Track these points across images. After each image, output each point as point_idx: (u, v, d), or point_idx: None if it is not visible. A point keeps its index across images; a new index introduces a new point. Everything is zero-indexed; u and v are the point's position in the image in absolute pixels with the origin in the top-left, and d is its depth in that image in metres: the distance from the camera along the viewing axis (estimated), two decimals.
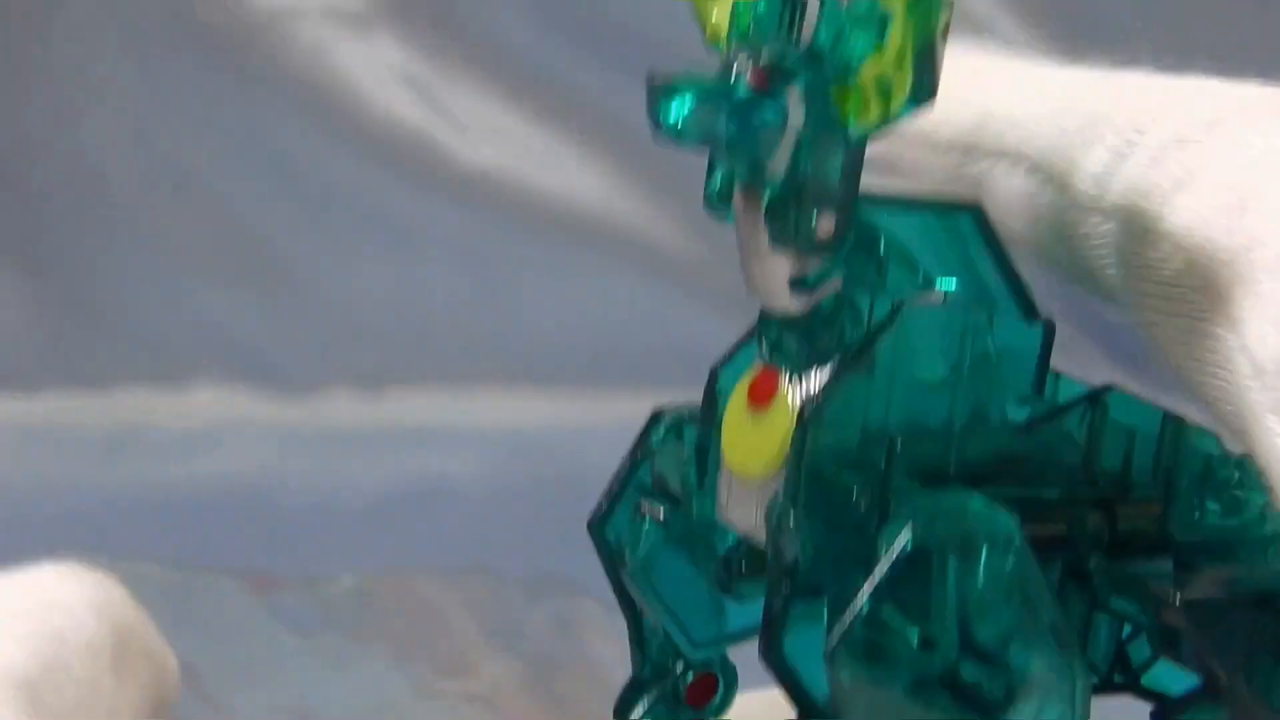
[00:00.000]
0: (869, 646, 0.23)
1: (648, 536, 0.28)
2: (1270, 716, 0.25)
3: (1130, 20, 1.02)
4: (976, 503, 0.24)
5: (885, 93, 0.23)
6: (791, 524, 0.24)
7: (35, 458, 0.93)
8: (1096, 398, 0.27)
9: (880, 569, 0.24)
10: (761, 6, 0.24)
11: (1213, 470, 0.27)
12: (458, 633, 0.52)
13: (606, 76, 0.93)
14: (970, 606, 0.24)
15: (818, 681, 0.24)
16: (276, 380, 1.00)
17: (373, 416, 0.99)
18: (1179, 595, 0.25)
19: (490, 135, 1.01)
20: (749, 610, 0.27)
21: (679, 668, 0.28)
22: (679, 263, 0.98)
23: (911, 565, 0.24)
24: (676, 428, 0.28)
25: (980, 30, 1.02)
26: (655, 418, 0.28)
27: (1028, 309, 0.27)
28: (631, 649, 0.28)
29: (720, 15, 0.25)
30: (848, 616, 0.23)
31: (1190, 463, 0.27)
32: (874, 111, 0.23)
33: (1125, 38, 1.04)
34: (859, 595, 0.23)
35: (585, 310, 0.94)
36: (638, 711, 0.28)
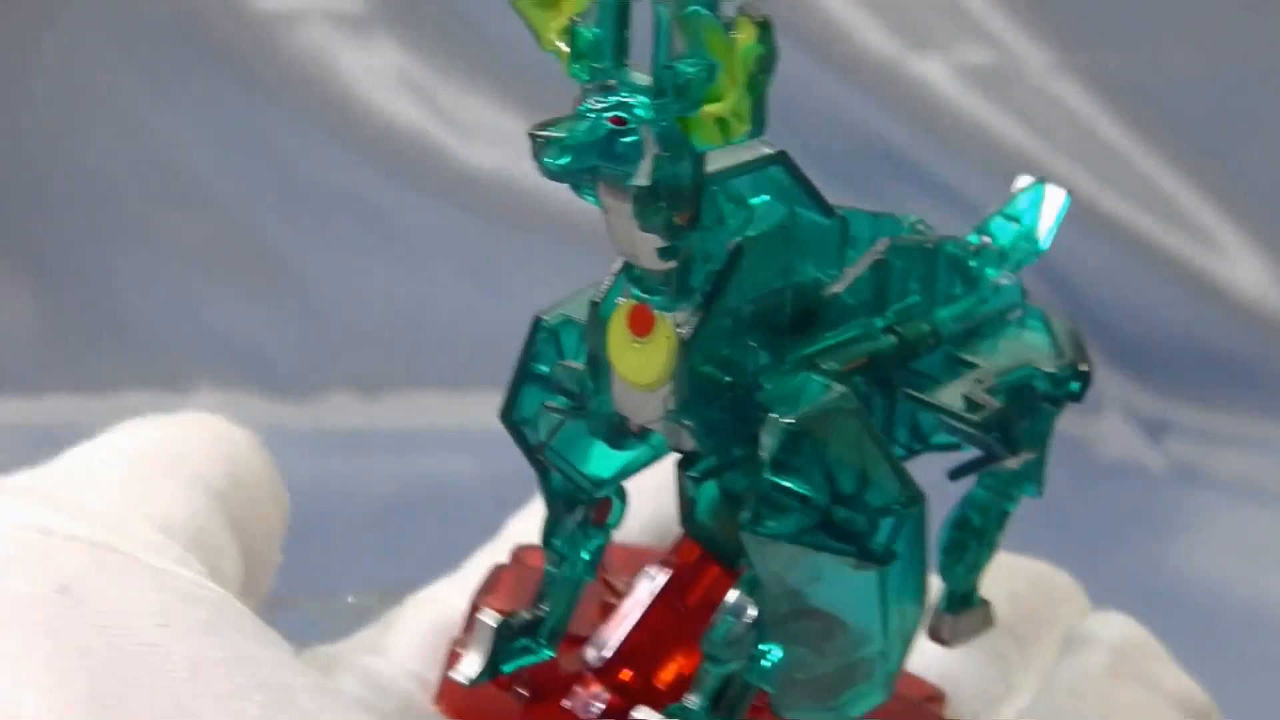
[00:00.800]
0: (767, 511, 0.31)
1: (553, 423, 0.34)
2: (1026, 454, 0.37)
3: (1126, 22, 1.02)
4: (816, 384, 0.32)
5: (724, 128, 0.30)
6: (688, 423, 0.32)
7: (37, 461, 0.93)
8: (879, 259, 0.34)
9: (767, 452, 0.31)
10: (594, 32, 0.31)
11: (957, 259, 0.37)
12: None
13: None
14: (833, 466, 0.31)
15: (727, 533, 0.32)
16: (277, 383, 1.00)
17: (373, 419, 0.99)
18: (961, 398, 0.35)
19: (490, 138, 1.02)
20: (632, 455, 0.35)
21: (584, 502, 0.36)
22: None
23: (788, 447, 0.31)
24: (553, 334, 0.35)
25: (979, 32, 1.03)
26: (536, 325, 0.35)
27: (827, 211, 0.34)
28: (543, 493, 0.36)
29: (554, 31, 0.31)
30: (750, 494, 0.31)
31: (943, 261, 0.36)
32: (715, 139, 0.30)
33: (1121, 39, 1.04)
34: (759, 475, 0.31)
35: None
36: (562, 539, 0.36)
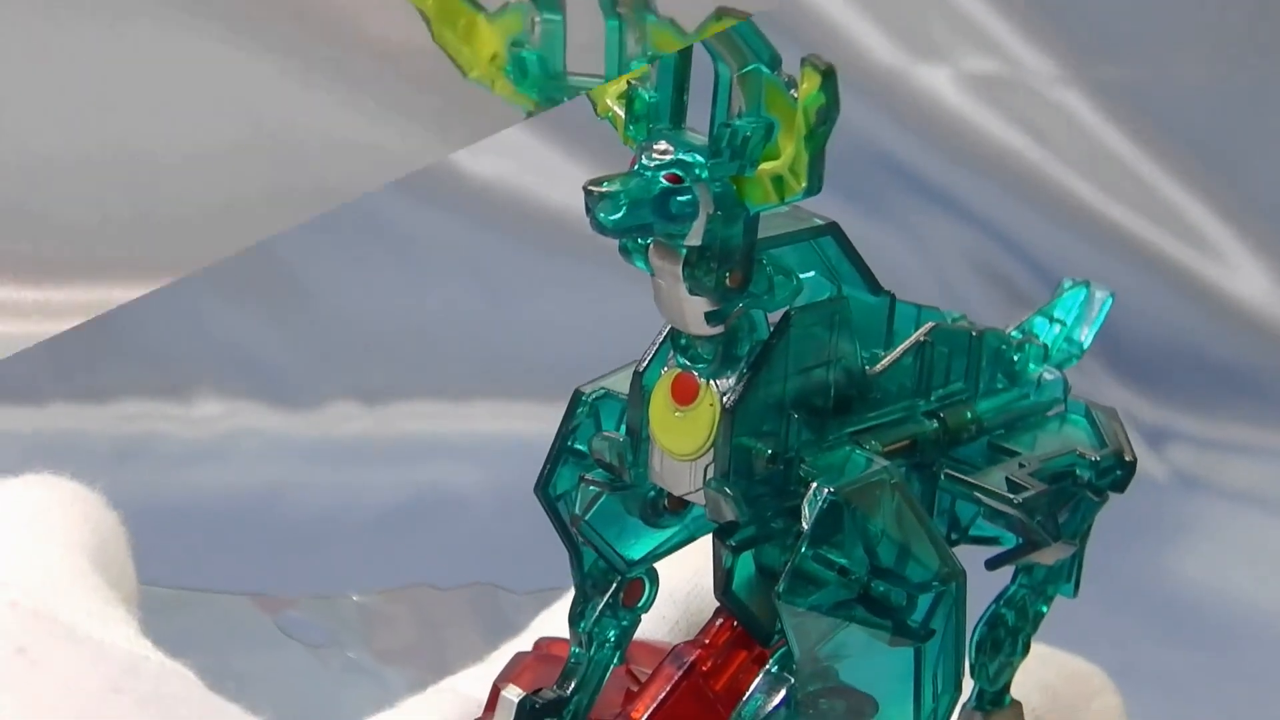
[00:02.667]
0: (804, 583, 0.31)
1: (590, 496, 0.34)
2: (1065, 547, 0.36)
3: (1131, 33, 1.02)
4: (859, 457, 0.32)
5: (779, 187, 0.29)
6: (728, 492, 0.32)
7: (41, 469, 0.93)
8: (923, 342, 0.34)
9: (807, 524, 0.31)
10: (653, 95, 0.31)
11: (1000, 353, 0.36)
12: (465, 644, 0.52)
13: None
14: (873, 539, 0.31)
15: (761, 610, 0.32)
16: (281, 393, 1.00)
17: (377, 429, 0.99)
18: (1002, 486, 0.34)
19: (494, 148, 1.02)
20: (666, 534, 0.35)
21: (615, 582, 0.35)
22: None
23: (828, 517, 0.31)
24: (592, 408, 0.34)
25: (984, 43, 1.03)
26: (576, 399, 0.35)
27: (875, 288, 0.34)
28: (573, 572, 0.35)
29: (611, 95, 0.31)
30: (788, 564, 0.31)
31: (986, 353, 0.36)
32: (770, 198, 0.29)
33: (1127, 50, 1.04)
34: (796, 547, 0.31)
35: (590, 323, 0.94)
36: (589, 620, 0.35)
